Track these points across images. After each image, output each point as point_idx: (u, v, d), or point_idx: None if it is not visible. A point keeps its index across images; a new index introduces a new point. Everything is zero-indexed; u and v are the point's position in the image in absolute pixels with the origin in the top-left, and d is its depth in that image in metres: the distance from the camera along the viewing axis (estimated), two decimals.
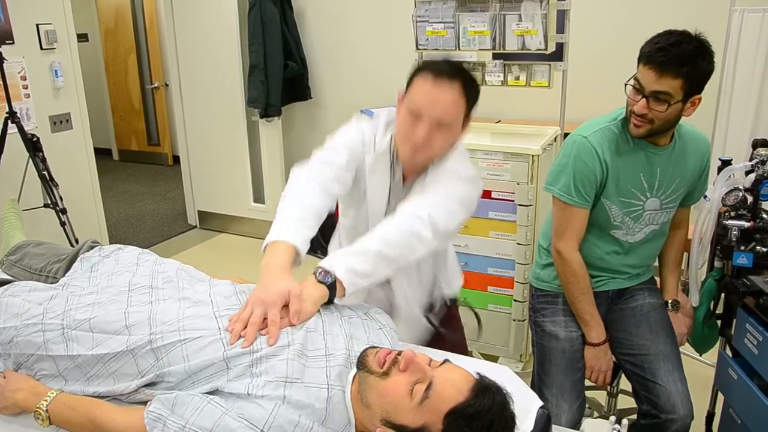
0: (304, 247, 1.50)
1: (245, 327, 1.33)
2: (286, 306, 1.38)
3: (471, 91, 1.60)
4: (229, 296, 1.48)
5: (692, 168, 1.95)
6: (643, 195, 1.91)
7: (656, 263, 2.17)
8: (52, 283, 1.70)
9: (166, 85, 6.89)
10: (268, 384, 1.21)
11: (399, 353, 1.24)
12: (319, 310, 1.44)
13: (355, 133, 1.73)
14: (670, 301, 2.12)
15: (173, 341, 1.32)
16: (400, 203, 1.62)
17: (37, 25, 3.61)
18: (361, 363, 1.26)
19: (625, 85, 1.80)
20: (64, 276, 1.70)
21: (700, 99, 1.78)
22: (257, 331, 1.32)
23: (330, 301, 1.47)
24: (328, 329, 1.39)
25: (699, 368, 2.99)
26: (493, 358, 3.01)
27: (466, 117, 1.64)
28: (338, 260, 1.49)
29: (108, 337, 1.37)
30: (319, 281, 1.45)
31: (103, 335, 1.38)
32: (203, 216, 5.33)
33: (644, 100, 1.74)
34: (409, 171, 1.72)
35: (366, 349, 1.30)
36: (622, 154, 1.88)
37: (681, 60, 1.69)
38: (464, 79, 1.58)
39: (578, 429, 1.55)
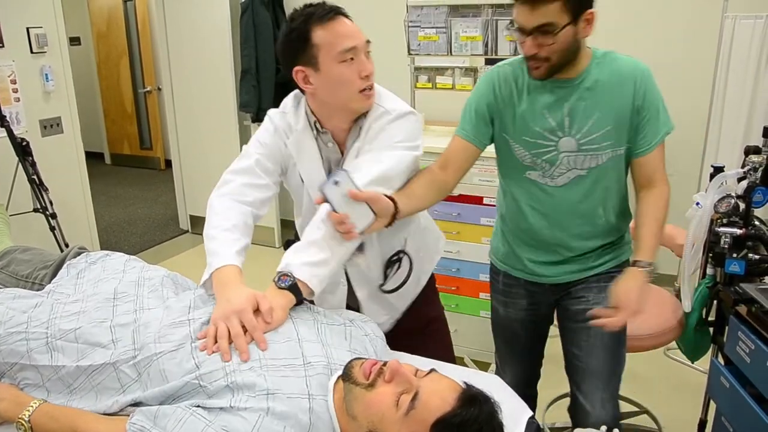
0: (242, 263, 1.54)
1: (215, 342, 1.30)
2: (257, 311, 1.36)
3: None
4: (206, 305, 1.46)
5: (616, 101, 1.64)
6: (553, 134, 1.67)
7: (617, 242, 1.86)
8: (38, 289, 1.68)
9: (159, 89, 6.87)
10: (250, 398, 1.19)
11: (384, 364, 1.22)
12: (291, 319, 1.41)
13: (264, 128, 1.73)
14: (632, 260, 1.68)
15: (150, 355, 1.31)
16: None
17: (28, 29, 3.58)
18: (347, 375, 1.24)
19: (507, 29, 1.70)
20: (50, 283, 1.69)
21: (593, 13, 1.54)
22: (228, 345, 1.30)
23: (300, 302, 1.45)
24: (303, 336, 1.37)
25: (691, 375, 2.99)
26: (484, 365, 3.00)
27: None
28: (291, 260, 1.49)
29: (92, 349, 1.36)
30: (280, 287, 1.43)
31: (88, 347, 1.37)
32: (195, 220, 5.30)
33: (529, 38, 1.55)
34: (340, 134, 1.68)
35: (351, 360, 1.28)
36: (522, 90, 1.69)
37: None
38: (343, 13, 1.60)
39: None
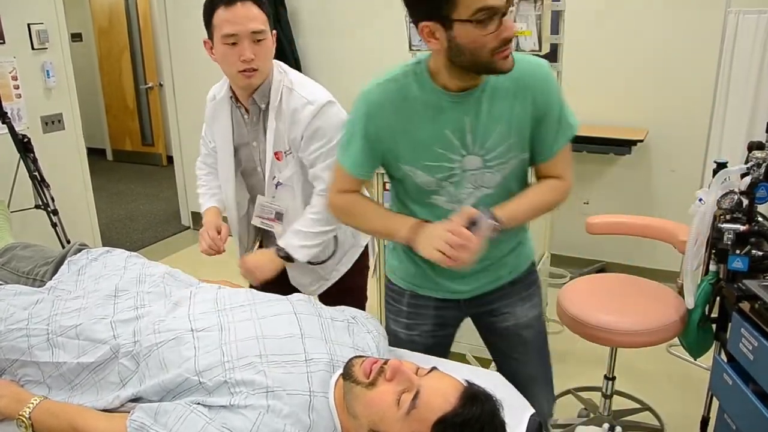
0: (220, 204, 2.15)
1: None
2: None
3: (262, 3, 1.82)
4: (207, 299, 1.46)
5: (516, 111, 1.47)
6: (456, 153, 1.48)
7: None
8: (39, 286, 1.68)
9: (161, 84, 6.86)
10: (250, 395, 1.19)
11: (385, 362, 1.22)
12: (295, 314, 1.42)
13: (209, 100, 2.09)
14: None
15: (149, 345, 1.31)
16: (254, 151, 2.00)
17: (29, 25, 3.57)
18: (347, 373, 1.24)
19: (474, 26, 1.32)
20: (51, 279, 1.69)
21: None
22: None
23: (288, 259, 1.91)
24: (306, 332, 1.37)
25: (694, 371, 2.98)
26: (486, 362, 2.99)
27: (272, 29, 1.87)
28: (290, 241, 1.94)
29: (93, 346, 1.36)
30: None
31: (89, 343, 1.37)
32: (197, 217, 5.25)
33: (508, 16, 1.33)
34: (246, 105, 1.97)
35: (351, 358, 1.27)
36: (416, 110, 1.46)
37: None
38: None
39: None
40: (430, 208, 1.57)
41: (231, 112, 2.01)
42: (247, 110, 1.97)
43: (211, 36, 1.84)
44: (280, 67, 1.97)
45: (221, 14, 1.77)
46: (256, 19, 1.79)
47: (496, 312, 1.73)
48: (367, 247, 2.23)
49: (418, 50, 3.07)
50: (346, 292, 2.14)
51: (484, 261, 1.57)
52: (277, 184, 1.98)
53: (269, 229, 2.07)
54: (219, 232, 2.01)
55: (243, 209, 2.14)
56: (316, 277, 2.11)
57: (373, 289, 2.49)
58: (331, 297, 2.08)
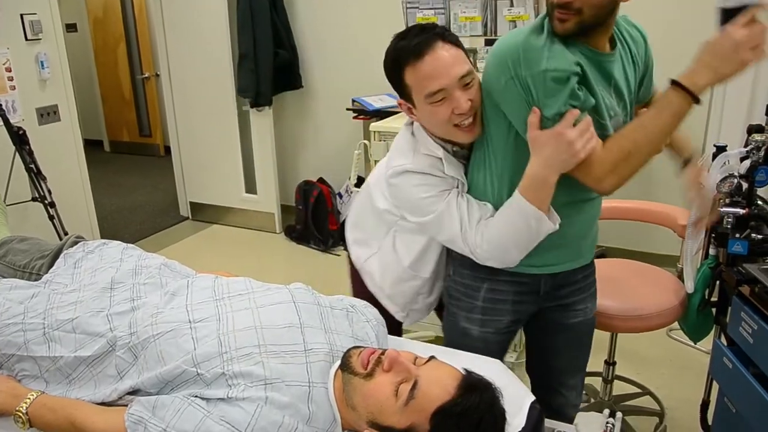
0: None
1: None
2: None
3: (452, 38, 1.51)
4: (205, 288, 1.45)
5: (641, 63, 1.58)
6: (609, 113, 1.50)
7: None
8: (35, 279, 1.67)
9: (157, 75, 6.82)
10: (248, 387, 1.18)
11: (383, 353, 1.21)
12: (294, 304, 1.40)
13: (422, 182, 1.58)
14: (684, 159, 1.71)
15: (147, 337, 1.30)
16: None
17: (22, 16, 3.54)
18: (345, 364, 1.23)
19: None
20: (47, 272, 1.68)
21: None
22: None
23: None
24: (305, 322, 1.36)
25: (694, 355, 2.99)
26: None
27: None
28: None
29: (90, 339, 1.36)
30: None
31: (85, 336, 1.36)
32: (195, 207, 5.28)
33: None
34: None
35: (349, 349, 1.27)
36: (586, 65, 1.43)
37: None
38: (438, 34, 1.48)
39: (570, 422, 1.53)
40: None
41: (459, 165, 1.63)
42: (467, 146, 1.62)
43: (406, 97, 1.54)
44: None
45: (419, 70, 1.47)
46: (458, 63, 1.47)
47: (569, 306, 1.74)
48: None
49: None
50: None
51: (572, 235, 1.61)
52: None
53: None
54: None
55: None
56: None
57: None
58: None
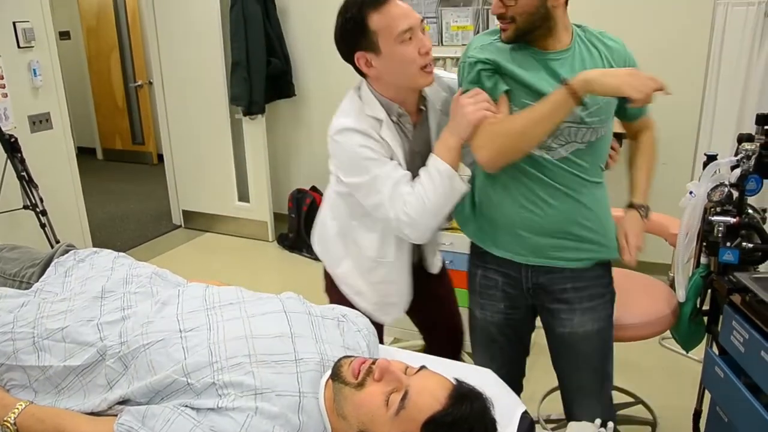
0: None
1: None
2: None
3: None
4: (196, 297, 1.44)
5: (617, 66, 1.67)
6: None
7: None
8: (25, 288, 1.66)
9: (150, 82, 6.82)
10: (238, 397, 1.18)
11: (373, 362, 1.21)
12: (285, 313, 1.40)
13: (357, 143, 1.69)
14: (634, 203, 1.79)
15: (137, 346, 1.29)
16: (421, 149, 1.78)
17: (14, 23, 3.54)
18: (336, 374, 1.23)
19: None
20: (38, 281, 1.67)
21: None
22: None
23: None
24: (296, 332, 1.35)
25: (687, 364, 2.99)
26: None
27: None
28: None
29: (80, 348, 1.34)
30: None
31: (75, 346, 1.35)
32: (188, 215, 5.27)
33: None
34: (413, 115, 1.79)
35: (340, 359, 1.26)
36: (517, 62, 1.63)
37: None
38: None
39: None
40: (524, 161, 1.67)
41: (395, 130, 1.75)
42: (411, 120, 1.79)
43: (370, 46, 1.65)
44: None
45: (386, 12, 1.61)
46: (412, 9, 1.67)
47: (555, 314, 1.80)
48: None
49: None
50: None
51: (560, 222, 1.69)
52: None
53: None
54: None
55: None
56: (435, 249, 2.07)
57: None
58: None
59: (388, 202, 1.67)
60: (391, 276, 1.90)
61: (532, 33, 1.59)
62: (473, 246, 1.89)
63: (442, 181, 1.64)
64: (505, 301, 1.83)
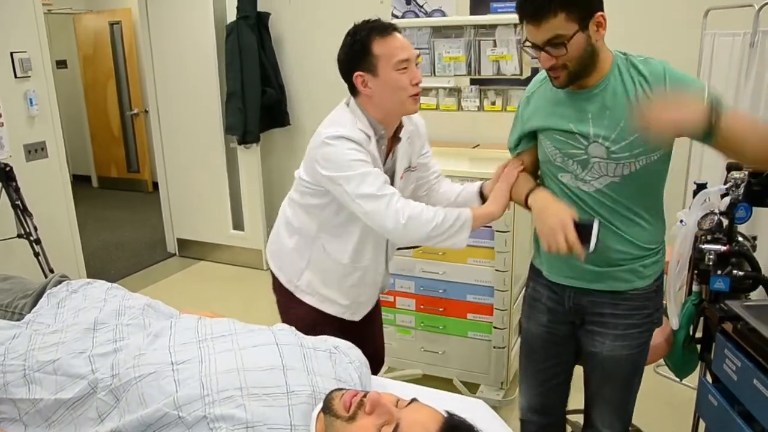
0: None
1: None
2: None
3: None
4: (188, 329, 1.44)
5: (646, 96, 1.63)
6: (582, 139, 1.66)
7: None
8: (17, 319, 1.66)
9: (146, 111, 6.85)
10: (229, 431, 1.17)
11: (365, 395, 1.21)
12: (277, 345, 1.40)
13: (347, 148, 1.82)
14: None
15: (129, 379, 1.29)
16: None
17: (12, 54, 3.57)
18: (327, 407, 1.23)
19: (521, 49, 1.74)
20: (30, 312, 1.66)
21: (602, 15, 1.57)
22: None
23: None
24: (288, 364, 1.36)
25: (681, 392, 2.98)
26: (474, 386, 2.98)
27: None
28: None
29: (71, 381, 1.34)
30: None
31: (66, 378, 1.34)
32: (182, 243, 5.27)
33: (543, 53, 1.58)
34: (389, 138, 1.95)
35: (332, 391, 1.26)
36: (549, 100, 1.73)
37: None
38: (397, 29, 1.86)
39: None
40: (557, 188, 1.77)
41: (377, 153, 1.90)
42: (386, 144, 1.96)
43: (370, 67, 1.83)
44: None
45: (390, 41, 1.81)
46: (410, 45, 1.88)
47: (589, 335, 1.85)
48: None
49: None
50: None
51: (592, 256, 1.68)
52: None
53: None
54: None
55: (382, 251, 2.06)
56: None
57: None
58: None
59: (381, 198, 1.77)
60: (367, 277, 2.03)
61: (584, 72, 1.62)
62: (532, 262, 1.98)
63: (455, 221, 1.80)
64: (548, 314, 1.90)
